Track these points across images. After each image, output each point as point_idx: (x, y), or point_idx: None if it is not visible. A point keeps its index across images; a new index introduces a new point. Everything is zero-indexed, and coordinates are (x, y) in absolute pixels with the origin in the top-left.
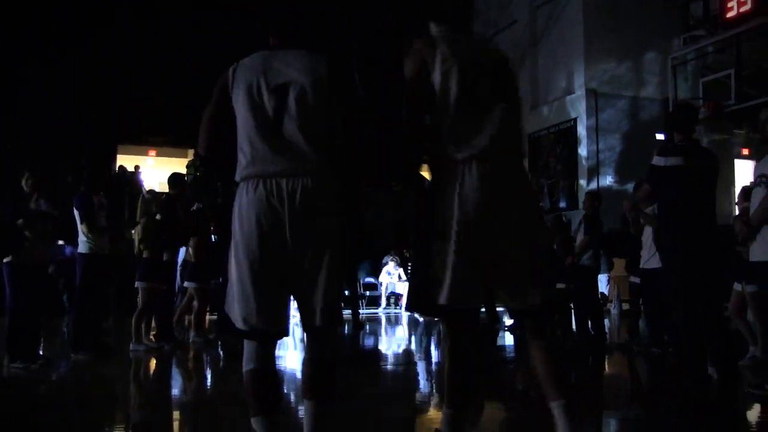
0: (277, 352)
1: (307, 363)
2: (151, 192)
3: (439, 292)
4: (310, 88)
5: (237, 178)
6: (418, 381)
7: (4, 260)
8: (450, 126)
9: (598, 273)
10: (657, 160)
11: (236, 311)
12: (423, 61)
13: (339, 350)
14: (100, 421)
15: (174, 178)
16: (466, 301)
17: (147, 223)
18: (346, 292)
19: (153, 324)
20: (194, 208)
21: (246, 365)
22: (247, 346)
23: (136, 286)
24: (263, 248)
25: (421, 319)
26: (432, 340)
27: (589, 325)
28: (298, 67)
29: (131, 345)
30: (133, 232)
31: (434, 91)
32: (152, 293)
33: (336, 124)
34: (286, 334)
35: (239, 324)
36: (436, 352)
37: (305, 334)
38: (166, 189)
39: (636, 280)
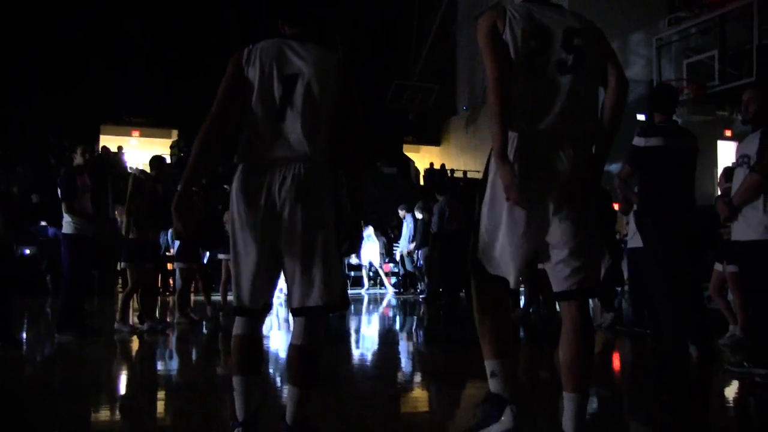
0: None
1: (294, 350)
2: (142, 171)
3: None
4: (317, 81)
5: (236, 159)
6: (401, 360)
7: None
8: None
9: None
10: (637, 141)
11: (234, 290)
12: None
13: (323, 337)
14: (85, 403)
15: (155, 160)
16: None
17: (137, 202)
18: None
19: (136, 305)
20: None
21: (235, 331)
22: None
23: (122, 266)
24: (255, 231)
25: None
26: (414, 320)
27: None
28: (308, 60)
29: (116, 325)
30: (116, 212)
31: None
32: (141, 273)
33: (336, 118)
34: (270, 308)
35: (234, 302)
36: (420, 332)
37: (294, 320)
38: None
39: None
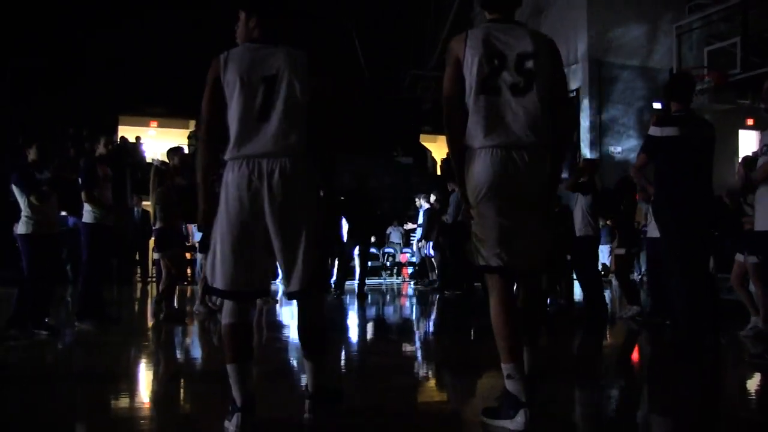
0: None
1: (300, 330)
2: (163, 162)
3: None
4: (296, 80)
5: (225, 157)
6: (418, 351)
7: (19, 232)
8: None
9: (598, 243)
10: (653, 130)
11: (218, 275)
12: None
13: (324, 316)
14: (104, 390)
15: (172, 152)
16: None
17: (163, 192)
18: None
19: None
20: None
21: (224, 319)
22: (226, 303)
23: (156, 257)
24: (243, 220)
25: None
26: (432, 310)
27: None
28: (285, 61)
29: (162, 316)
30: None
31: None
32: (176, 261)
33: (313, 112)
34: (267, 293)
35: (219, 285)
36: (434, 323)
37: (296, 303)
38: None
39: (620, 251)
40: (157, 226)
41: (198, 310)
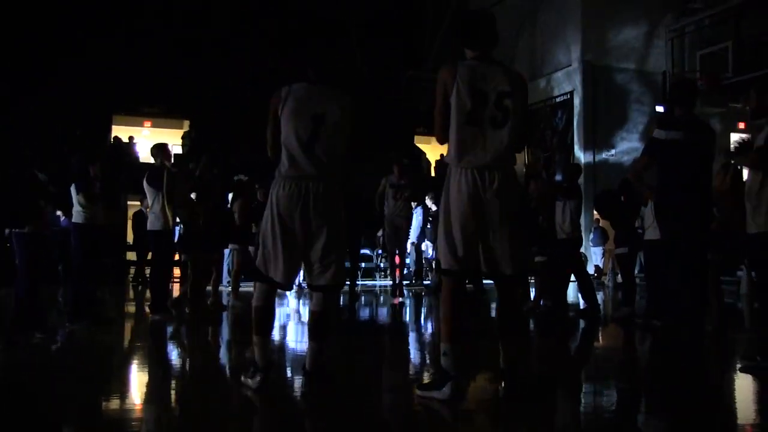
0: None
1: (312, 314)
2: (174, 165)
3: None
4: (340, 118)
5: (277, 173)
6: (410, 350)
7: (17, 230)
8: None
9: (580, 245)
10: (658, 133)
11: (269, 267)
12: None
13: (334, 306)
14: (105, 391)
15: (157, 149)
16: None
17: (179, 195)
18: (347, 264)
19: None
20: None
21: (255, 302)
22: (259, 289)
23: (183, 259)
24: (292, 227)
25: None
26: (422, 311)
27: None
28: (332, 101)
29: (231, 301)
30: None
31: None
32: (199, 261)
33: (349, 143)
34: (292, 287)
35: (270, 273)
36: (428, 324)
37: (312, 293)
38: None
39: (623, 250)
40: (180, 227)
41: (234, 305)
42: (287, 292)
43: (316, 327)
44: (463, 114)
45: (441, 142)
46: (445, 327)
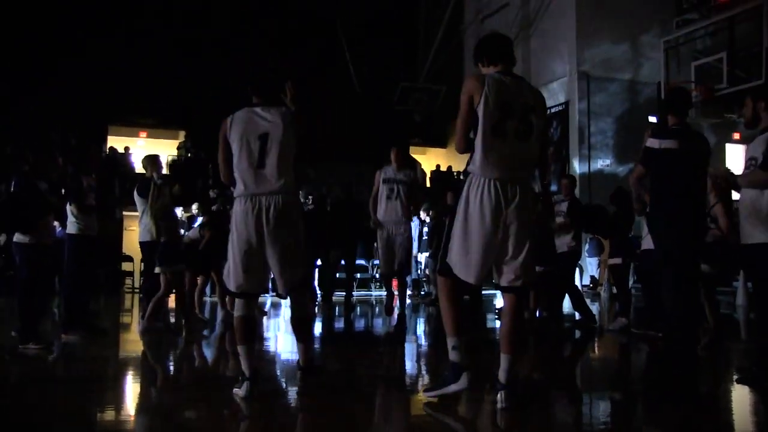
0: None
1: (292, 320)
2: (161, 176)
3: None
4: (283, 135)
5: (235, 195)
6: (406, 362)
7: (17, 240)
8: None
9: (579, 257)
10: (651, 143)
11: (231, 280)
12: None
13: (309, 309)
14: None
15: (149, 159)
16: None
17: (162, 207)
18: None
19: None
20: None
21: (236, 313)
22: (238, 301)
23: (156, 271)
24: (249, 241)
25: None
26: (418, 322)
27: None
28: (274, 117)
29: (139, 325)
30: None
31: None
32: (174, 277)
33: (296, 157)
34: (266, 291)
35: (233, 288)
36: (423, 334)
37: (289, 300)
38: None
39: (617, 261)
40: (162, 240)
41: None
42: (282, 301)
43: (299, 329)
44: (491, 124)
45: (461, 150)
46: (449, 322)
